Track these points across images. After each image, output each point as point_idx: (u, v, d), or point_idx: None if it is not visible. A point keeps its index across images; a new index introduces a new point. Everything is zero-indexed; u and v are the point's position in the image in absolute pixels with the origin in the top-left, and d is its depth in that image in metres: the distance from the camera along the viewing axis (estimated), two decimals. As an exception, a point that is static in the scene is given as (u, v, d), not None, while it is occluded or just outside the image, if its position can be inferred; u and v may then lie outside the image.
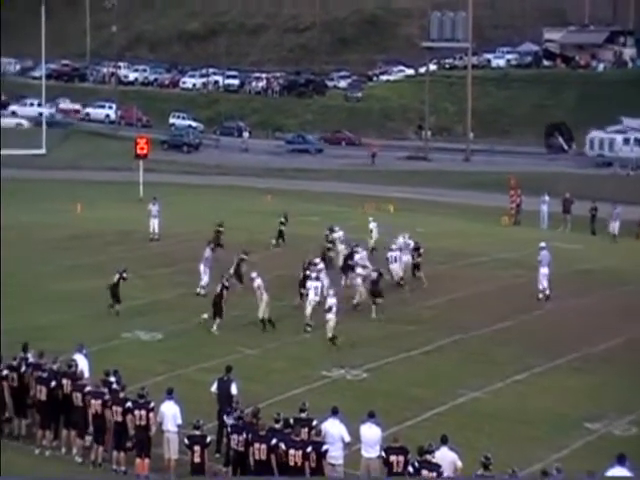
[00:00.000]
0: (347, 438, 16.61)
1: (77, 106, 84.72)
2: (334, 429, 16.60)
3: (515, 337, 25.93)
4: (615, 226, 40.10)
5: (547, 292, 29.66)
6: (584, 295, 30.36)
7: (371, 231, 35.12)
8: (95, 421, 17.96)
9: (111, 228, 40.24)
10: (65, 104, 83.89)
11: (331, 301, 25.30)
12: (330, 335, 24.90)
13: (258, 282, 26.36)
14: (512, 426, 20.05)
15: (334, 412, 16.88)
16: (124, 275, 27.50)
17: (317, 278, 27.21)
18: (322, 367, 23.08)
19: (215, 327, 25.79)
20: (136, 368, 21.59)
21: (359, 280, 28.46)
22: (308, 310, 26.36)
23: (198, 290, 29.46)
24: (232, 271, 29.28)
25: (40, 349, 19.70)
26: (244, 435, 16.41)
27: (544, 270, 29.73)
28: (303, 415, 16.91)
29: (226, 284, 26.26)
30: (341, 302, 26.13)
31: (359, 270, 28.88)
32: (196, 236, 38.48)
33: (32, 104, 77.82)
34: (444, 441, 15.90)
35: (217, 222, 34.89)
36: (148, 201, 39.41)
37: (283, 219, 36.29)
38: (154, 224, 38.04)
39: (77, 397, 18.31)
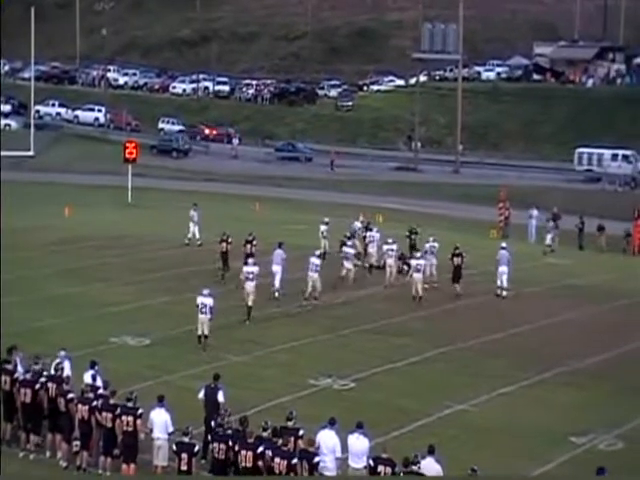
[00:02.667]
0: (339, 453, 16.45)
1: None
2: (329, 440, 16.46)
3: (503, 350, 25.98)
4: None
5: (504, 292, 31.41)
6: (573, 310, 30.45)
7: (323, 235, 35.53)
8: (82, 426, 17.88)
9: (100, 232, 40.12)
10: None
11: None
12: None
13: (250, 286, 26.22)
14: (498, 439, 20.06)
15: (331, 423, 16.72)
16: (229, 240, 30.64)
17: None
18: (310, 376, 23.06)
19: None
20: (123, 373, 21.50)
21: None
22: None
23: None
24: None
25: (27, 353, 19.60)
26: (227, 443, 16.37)
27: (502, 269, 31.57)
28: (290, 424, 16.85)
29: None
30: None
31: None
32: (185, 241, 38.55)
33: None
34: (431, 452, 15.89)
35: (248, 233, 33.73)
36: (138, 205, 39.35)
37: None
38: (194, 230, 37.75)
39: (61, 402, 18.23)
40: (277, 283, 29.87)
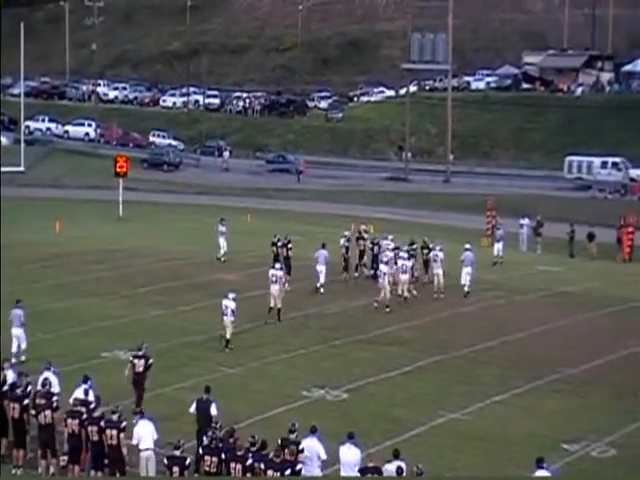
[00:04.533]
0: (323, 455, 16.60)
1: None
2: (312, 447, 16.59)
3: (496, 358, 26.00)
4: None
5: (467, 289, 32.41)
6: (564, 317, 30.51)
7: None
8: (71, 440, 17.84)
9: (91, 247, 40.10)
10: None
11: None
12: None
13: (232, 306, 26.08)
14: (491, 447, 20.06)
15: (312, 431, 16.89)
16: (289, 245, 32.23)
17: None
18: (303, 387, 23.05)
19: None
20: (115, 387, 21.45)
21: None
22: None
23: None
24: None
25: (19, 368, 19.58)
26: (219, 457, 16.34)
27: (467, 269, 32.46)
28: (292, 436, 16.80)
29: None
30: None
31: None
32: (177, 255, 38.56)
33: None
34: (396, 455, 16.10)
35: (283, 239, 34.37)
36: (129, 219, 39.32)
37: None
38: (223, 245, 37.26)
39: (46, 416, 18.16)
40: (322, 279, 32.29)
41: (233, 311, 25.49)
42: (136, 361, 21.21)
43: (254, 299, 28.77)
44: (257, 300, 29.04)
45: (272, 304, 28.59)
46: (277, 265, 30.11)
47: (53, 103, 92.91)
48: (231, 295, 25.80)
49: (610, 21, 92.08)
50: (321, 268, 32.33)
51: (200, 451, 16.94)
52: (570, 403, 22.74)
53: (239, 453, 16.16)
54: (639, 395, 23.28)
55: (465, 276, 32.48)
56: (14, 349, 24.44)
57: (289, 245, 34.18)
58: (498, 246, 38.71)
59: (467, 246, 33.36)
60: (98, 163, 67.73)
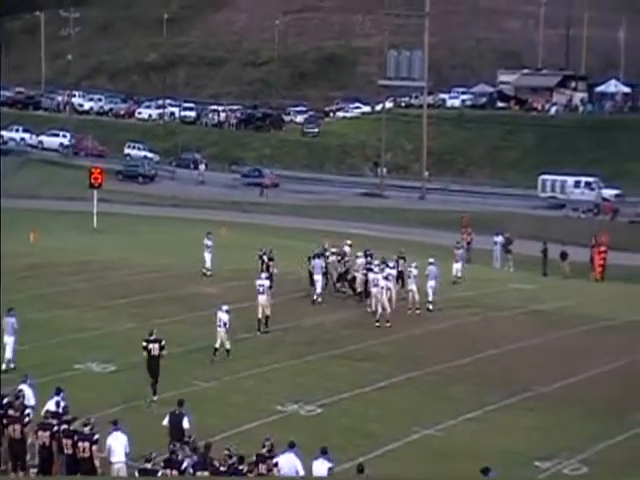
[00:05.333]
0: (301, 471, 16.63)
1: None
2: (290, 462, 16.61)
3: (469, 375, 26.11)
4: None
5: (431, 307, 32.53)
6: (538, 335, 30.67)
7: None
8: (42, 453, 17.74)
9: (66, 258, 39.92)
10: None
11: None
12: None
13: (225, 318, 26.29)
14: (465, 463, 20.12)
15: (290, 446, 16.91)
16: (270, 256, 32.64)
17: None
18: (277, 402, 23.06)
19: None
20: (89, 400, 21.39)
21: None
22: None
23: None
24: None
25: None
26: (178, 470, 16.31)
27: (431, 283, 32.74)
28: (264, 451, 16.82)
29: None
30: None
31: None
32: (152, 267, 38.46)
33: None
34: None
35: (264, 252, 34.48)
36: (103, 231, 39.18)
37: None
38: (208, 259, 36.94)
39: (16, 429, 18.04)
40: (319, 289, 32.88)
41: (226, 323, 26.00)
42: (151, 345, 23.09)
43: (231, 313, 28.69)
44: (233, 313, 28.98)
45: (260, 315, 28.98)
46: (263, 275, 30.47)
47: (28, 113, 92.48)
48: (224, 307, 26.23)
49: (584, 42, 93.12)
50: (317, 277, 32.88)
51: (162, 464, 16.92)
52: (543, 420, 22.87)
53: (222, 469, 16.14)
54: (611, 413, 23.48)
55: (429, 290, 32.65)
56: (8, 355, 24.79)
57: (271, 258, 34.15)
58: (457, 266, 38.19)
59: (431, 260, 33.70)
60: (72, 174, 67.45)
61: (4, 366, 24.61)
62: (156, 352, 23.07)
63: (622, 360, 27.96)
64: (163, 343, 23.17)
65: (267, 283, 29.61)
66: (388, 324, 30.34)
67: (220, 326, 26.00)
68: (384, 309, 30.47)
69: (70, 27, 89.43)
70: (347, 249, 35.63)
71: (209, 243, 37.14)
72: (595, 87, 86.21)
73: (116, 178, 68.98)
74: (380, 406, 23.40)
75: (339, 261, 34.63)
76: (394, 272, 32.52)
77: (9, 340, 24.94)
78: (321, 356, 27.26)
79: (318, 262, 33.15)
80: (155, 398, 22.70)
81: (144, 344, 23.22)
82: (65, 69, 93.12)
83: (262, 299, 29.04)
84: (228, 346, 26.18)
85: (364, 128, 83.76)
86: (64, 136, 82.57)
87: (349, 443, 20.47)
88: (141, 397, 22.83)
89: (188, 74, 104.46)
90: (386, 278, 31.22)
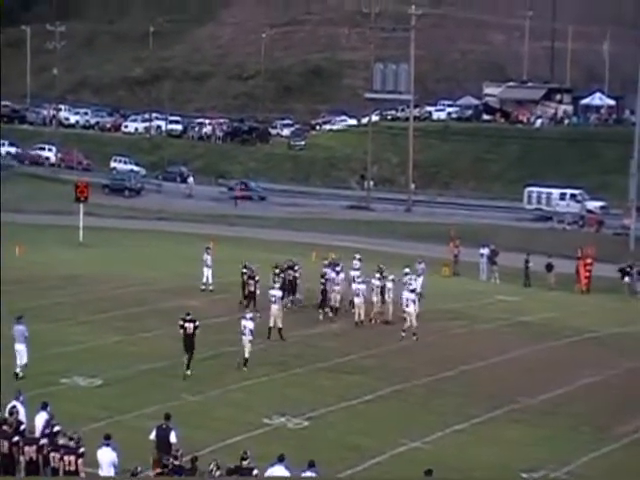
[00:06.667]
0: None
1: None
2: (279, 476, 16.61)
3: (456, 387, 26.17)
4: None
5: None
6: (523, 347, 30.78)
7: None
8: (29, 468, 17.66)
9: (52, 272, 39.81)
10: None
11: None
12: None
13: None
14: (451, 476, 20.16)
15: (280, 459, 16.91)
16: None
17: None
18: (264, 414, 23.05)
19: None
20: (74, 414, 21.34)
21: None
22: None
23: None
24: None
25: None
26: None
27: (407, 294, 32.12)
28: (244, 463, 16.85)
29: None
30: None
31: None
32: (138, 281, 38.41)
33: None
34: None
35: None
36: (89, 245, 39.02)
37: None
38: (208, 274, 36.78)
39: (4, 445, 17.94)
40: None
41: (251, 331, 26.62)
42: (187, 324, 25.69)
43: (216, 326, 28.73)
44: (219, 327, 29.01)
45: (272, 324, 29.49)
46: (276, 285, 31.00)
47: (13, 127, 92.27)
48: (248, 315, 27.08)
49: (569, 55, 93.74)
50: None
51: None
52: (529, 433, 22.93)
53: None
54: (597, 425, 23.55)
55: (405, 301, 31.78)
56: (19, 362, 25.24)
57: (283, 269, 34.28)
58: (419, 281, 37.01)
59: (407, 270, 34.17)
60: (58, 188, 67.29)
61: (21, 373, 25.20)
62: (191, 331, 25.62)
63: (607, 372, 28.10)
64: (197, 324, 25.76)
65: (279, 293, 30.28)
66: (414, 337, 30.53)
67: (245, 334, 26.53)
68: (411, 321, 30.66)
69: (56, 41, 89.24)
70: (356, 263, 35.71)
71: (208, 258, 37.08)
72: (580, 100, 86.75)
73: (102, 192, 68.87)
74: (366, 419, 23.42)
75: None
76: (378, 283, 32.59)
77: (20, 347, 25.45)
78: (308, 369, 27.26)
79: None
80: (189, 373, 25.54)
81: (180, 323, 25.88)
82: (50, 83, 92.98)
83: (274, 308, 29.72)
84: (247, 355, 26.50)
85: (350, 141, 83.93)
86: (50, 150, 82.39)
87: (336, 456, 20.48)
88: (127, 411, 22.76)
89: (173, 88, 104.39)
90: (412, 291, 31.74)
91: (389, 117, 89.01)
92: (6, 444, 17.98)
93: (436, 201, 71.60)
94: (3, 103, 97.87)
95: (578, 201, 64.67)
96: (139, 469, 16.65)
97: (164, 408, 20.64)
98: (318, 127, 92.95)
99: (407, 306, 31.03)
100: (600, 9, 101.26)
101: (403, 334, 30.76)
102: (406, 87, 72.38)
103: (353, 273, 34.20)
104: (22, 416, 19.09)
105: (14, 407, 19.00)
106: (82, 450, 17.33)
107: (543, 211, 64.79)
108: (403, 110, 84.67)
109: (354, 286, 32.45)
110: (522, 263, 42.64)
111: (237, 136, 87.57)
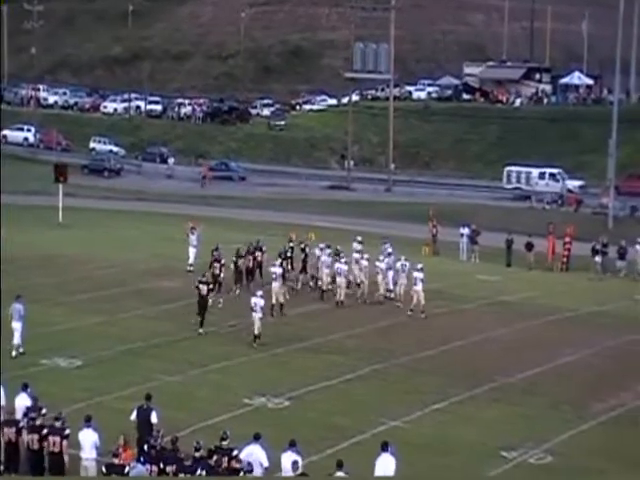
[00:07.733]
0: (265, 463, 16.69)
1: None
2: (254, 454, 16.66)
3: (435, 367, 26.30)
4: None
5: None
6: (503, 326, 30.95)
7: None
8: (8, 449, 17.63)
9: (31, 253, 39.61)
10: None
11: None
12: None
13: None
14: (431, 454, 20.31)
15: (256, 438, 16.98)
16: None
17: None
18: (244, 395, 23.09)
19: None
20: (55, 395, 21.27)
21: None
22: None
23: None
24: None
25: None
26: (158, 465, 16.30)
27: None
28: (224, 444, 16.87)
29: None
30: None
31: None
32: (117, 262, 38.30)
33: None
34: (340, 465, 16.20)
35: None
36: (69, 226, 38.80)
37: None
38: (192, 254, 36.66)
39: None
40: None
41: (262, 308, 27.17)
42: (201, 286, 27.54)
43: (193, 306, 28.69)
44: (192, 308, 28.95)
45: (274, 301, 30.11)
46: (277, 263, 31.42)
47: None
48: (259, 293, 27.67)
49: (548, 34, 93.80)
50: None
51: (141, 459, 16.89)
52: (508, 411, 23.10)
53: (187, 463, 16.15)
54: (575, 403, 23.74)
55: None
56: (15, 341, 25.44)
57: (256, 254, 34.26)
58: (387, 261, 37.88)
59: (386, 246, 35.24)
60: (37, 169, 66.86)
61: (14, 352, 25.28)
62: (204, 292, 27.40)
63: (585, 351, 28.31)
64: (211, 286, 28.00)
65: (279, 271, 30.63)
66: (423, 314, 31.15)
67: (256, 311, 26.98)
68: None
69: (34, 20, 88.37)
70: (356, 245, 35.70)
71: (192, 238, 36.99)
72: (559, 79, 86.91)
73: (82, 172, 68.52)
74: (347, 399, 23.51)
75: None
76: (343, 262, 32.74)
77: (17, 325, 25.66)
78: (288, 349, 27.32)
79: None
80: (201, 331, 27.47)
81: (196, 284, 27.80)
82: (28, 63, 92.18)
83: (275, 286, 30.29)
84: (257, 332, 26.87)
85: (330, 121, 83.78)
86: (29, 130, 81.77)
87: (317, 436, 20.56)
88: (107, 392, 22.75)
89: (153, 68, 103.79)
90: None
91: (369, 97, 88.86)
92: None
93: (416, 181, 71.64)
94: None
95: (557, 180, 64.93)
96: (120, 450, 16.55)
97: (144, 389, 20.63)
98: (298, 107, 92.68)
99: (415, 284, 31.34)
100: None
101: (410, 313, 31.20)
102: (386, 67, 72.29)
103: (355, 255, 34.05)
104: (2, 398, 19.04)
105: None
106: (68, 432, 17.31)
107: (522, 190, 64.98)
108: (383, 90, 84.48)
109: (336, 265, 32.49)
110: (502, 243, 42.78)
111: (217, 116, 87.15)
